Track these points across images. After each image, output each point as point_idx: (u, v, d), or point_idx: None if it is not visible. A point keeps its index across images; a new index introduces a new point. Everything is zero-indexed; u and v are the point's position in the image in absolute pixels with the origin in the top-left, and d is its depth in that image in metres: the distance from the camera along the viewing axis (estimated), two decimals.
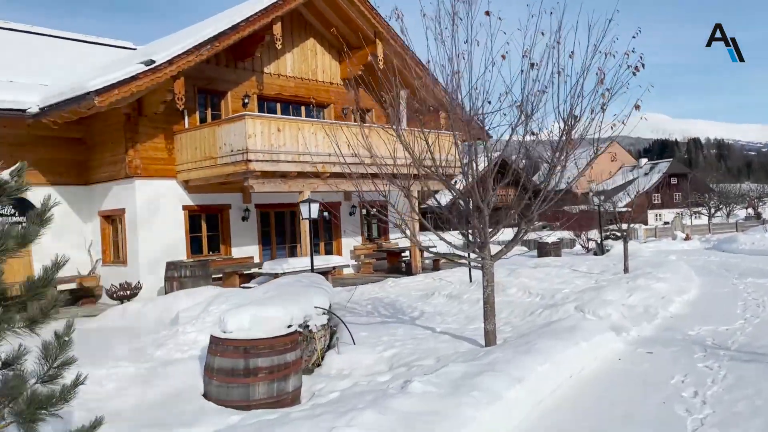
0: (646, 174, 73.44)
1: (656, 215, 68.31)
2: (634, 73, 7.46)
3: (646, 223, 60.73)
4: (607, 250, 21.96)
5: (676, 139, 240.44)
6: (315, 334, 7.83)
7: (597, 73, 7.77)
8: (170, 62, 14.60)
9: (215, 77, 17.95)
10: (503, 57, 7.27)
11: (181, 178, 16.87)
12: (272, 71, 19.47)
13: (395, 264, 20.87)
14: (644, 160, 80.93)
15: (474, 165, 7.98)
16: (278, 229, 20.08)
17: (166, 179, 16.72)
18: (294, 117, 16.67)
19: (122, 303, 13.43)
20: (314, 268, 15.14)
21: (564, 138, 7.77)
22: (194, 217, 17.54)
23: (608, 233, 41.52)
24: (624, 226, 17.39)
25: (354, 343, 8.48)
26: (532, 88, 7.52)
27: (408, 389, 5.26)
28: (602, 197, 20.12)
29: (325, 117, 20.87)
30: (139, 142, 16.13)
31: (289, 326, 6.05)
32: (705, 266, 19.16)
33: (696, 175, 72.36)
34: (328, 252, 21.27)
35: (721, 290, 13.81)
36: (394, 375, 6.58)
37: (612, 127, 7.96)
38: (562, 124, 7.76)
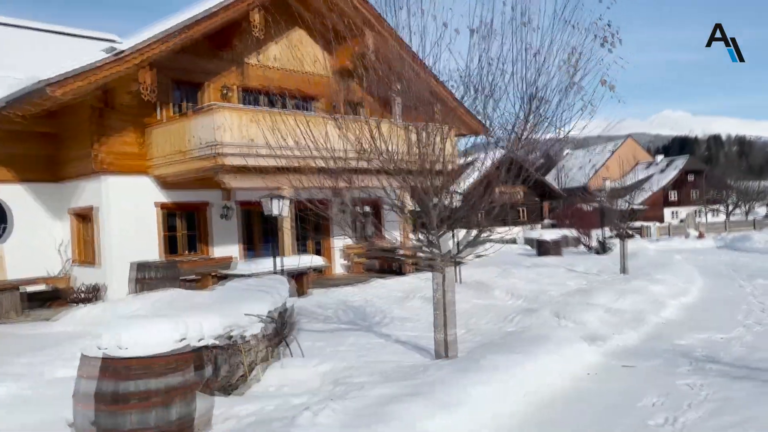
0: (662, 171, 71.64)
1: (672, 212, 66.56)
2: (602, 44, 6.43)
3: (661, 221, 59.17)
4: (610, 249, 20.77)
5: (696, 136, 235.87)
6: (241, 346, 6.89)
7: (568, 50, 6.76)
8: (134, 51, 13.76)
9: (192, 68, 17.10)
10: (445, 25, 6.30)
11: (154, 174, 16.04)
12: (255, 62, 18.59)
13: (387, 263, 19.89)
14: (660, 157, 78.94)
15: (421, 152, 6.97)
16: (264, 227, 19.22)
17: (138, 175, 15.90)
18: (269, 108, 15.76)
19: (77, 306, 12.66)
20: (292, 269, 14.26)
21: (523, 120, 6.74)
22: (170, 215, 16.71)
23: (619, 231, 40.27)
24: (623, 224, 16.23)
25: (292, 355, 7.55)
26: (480, 61, 6.53)
27: (298, 422, 4.33)
28: (604, 194, 18.98)
29: (314, 110, 19.94)
30: (106, 136, 15.33)
31: (182, 340, 5.13)
32: (712, 266, 17.96)
33: (713, 171, 70.28)
34: (318, 252, 20.37)
35: (724, 293, 12.67)
36: (313, 396, 5.63)
37: (583, 110, 6.92)
38: (520, 106, 6.74)
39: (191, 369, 5.16)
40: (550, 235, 21.68)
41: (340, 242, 20.71)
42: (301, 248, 19.70)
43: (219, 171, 14.40)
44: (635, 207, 37.28)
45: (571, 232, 24.20)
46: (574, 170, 75.40)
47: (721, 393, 5.99)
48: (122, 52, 13.42)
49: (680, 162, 71.96)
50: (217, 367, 6.41)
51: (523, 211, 48.63)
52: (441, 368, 5.84)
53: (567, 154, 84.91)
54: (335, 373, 6.67)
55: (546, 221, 43.69)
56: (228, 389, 6.70)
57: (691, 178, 69.27)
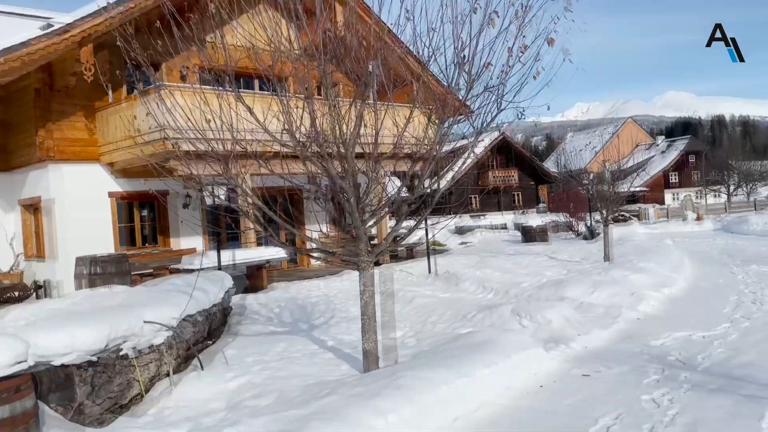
0: (662, 153, 70.31)
1: (673, 195, 65.32)
2: None
3: (662, 203, 58.01)
4: (598, 235, 19.77)
5: (699, 118, 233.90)
6: (135, 360, 5.90)
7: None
8: (71, 27, 12.68)
9: (147, 48, 15.97)
10: None
11: (105, 161, 15.02)
12: (217, 41, 17.42)
13: None
14: (661, 138, 77.44)
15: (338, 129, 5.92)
16: (231, 218, 18.17)
17: (88, 163, 14.87)
18: (226, 89, 14.63)
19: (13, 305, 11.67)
20: (247, 262, 13.26)
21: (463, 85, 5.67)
22: (125, 205, 15.70)
23: (615, 215, 39.18)
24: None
25: (203, 368, 6.57)
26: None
27: None
28: (590, 178, 17.89)
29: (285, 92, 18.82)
30: (53, 121, 14.29)
31: (17, 363, 4.14)
32: (705, 251, 16.89)
33: (713, 152, 68.76)
34: (291, 242, 19.37)
35: (713, 282, 11.63)
36: (195, 428, 4.64)
37: (534, 77, 5.85)
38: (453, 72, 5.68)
39: (27, 397, 4.17)
40: (537, 221, 20.63)
41: (316, 232, 19.69)
42: (275, 239, 18.72)
43: (170, 157, 13.37)
44: (622, 191, 36.19)
45: (560, 218, 23.17)
46: (574, 153, 73.99)
47: (691, 412, 4.98)
48: (59, 28, 12.35)
49: (681, 143, 70.56)
50: (94, 389, 5.42)
51: (517, 195, 47.54)
52: (353, 389, 4.84)
53: (570, 136, 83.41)
54: (243, 391, 5.69)
55: (541, 206, 42.62)
56: (115, 412, 5.72)
57: (692, 159, 67.89)
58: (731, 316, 8.57)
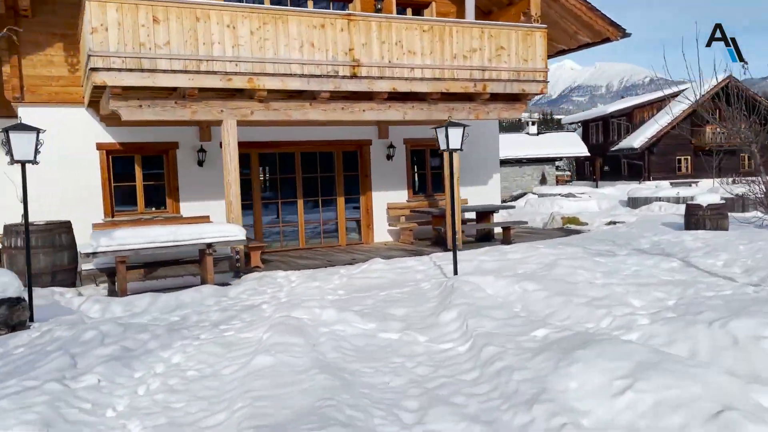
0: None
1: None
2: None
3: None
4: None
5: None
6: None
7: None
8: None
9: None
10: None
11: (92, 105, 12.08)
12: None
13: (439, 231, 14.02)
14: None
15: None
16: (279, 180, 14.51)
17: (69, 106, 12.08)
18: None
19: None
20: (175, 244, 9.31)
21: None
22: (119, 159, 12.72)
23: None
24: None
25: None
26: None
27: None
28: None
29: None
30: (21, 54, 11.66)
31: None
32: None
33: None
34: (353, 212, 15.08)
35: None
36: None
37: None
38: None
39: None
40: (710, 197, 13.67)
41: (389, 198, 15.06)
42: (310, 206, 14.68)
43: (109, 96, 9.88)
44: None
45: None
46: None
47: None
48: None
49: None
50: None
51: (746, 158, 37.03)
52: None
53: None
54: None
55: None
56: None
57: None
58: None
